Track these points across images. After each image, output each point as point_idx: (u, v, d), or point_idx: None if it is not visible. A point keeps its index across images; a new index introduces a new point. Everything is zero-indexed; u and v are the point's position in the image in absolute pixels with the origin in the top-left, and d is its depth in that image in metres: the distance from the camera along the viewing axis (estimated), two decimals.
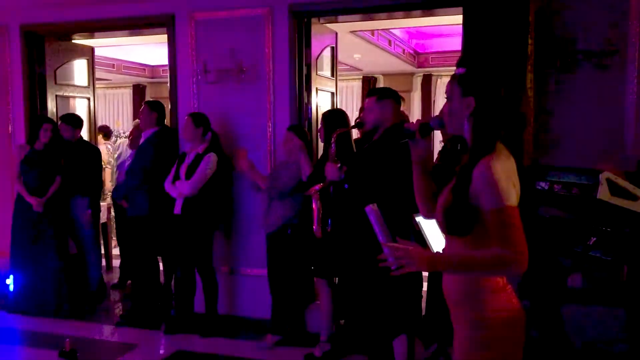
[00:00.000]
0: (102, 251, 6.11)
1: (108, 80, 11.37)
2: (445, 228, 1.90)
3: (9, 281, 5.23)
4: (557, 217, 2.68)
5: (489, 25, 3.89)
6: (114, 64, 10.12)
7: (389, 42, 7.82)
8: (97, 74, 10.43)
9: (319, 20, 4.95)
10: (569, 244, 2.64)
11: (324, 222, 3.68)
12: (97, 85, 11.64)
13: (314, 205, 3.68)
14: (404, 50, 8.60)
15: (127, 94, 12.31)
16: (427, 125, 2.05)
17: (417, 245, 1.81)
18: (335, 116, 4.07)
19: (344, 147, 3.65)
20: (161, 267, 5.17)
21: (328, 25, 5.17)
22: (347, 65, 9.13)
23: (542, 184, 2.70)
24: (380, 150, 3.28)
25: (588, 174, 2.76)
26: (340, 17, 5.01)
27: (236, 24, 4.71)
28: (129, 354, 4.31)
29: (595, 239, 2.71)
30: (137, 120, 6.56)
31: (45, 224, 5.09)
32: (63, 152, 5.19)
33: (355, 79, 10.81)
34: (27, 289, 5.10)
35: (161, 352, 4.38)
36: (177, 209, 4.53)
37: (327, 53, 5.15)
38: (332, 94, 5.28)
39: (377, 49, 7.56)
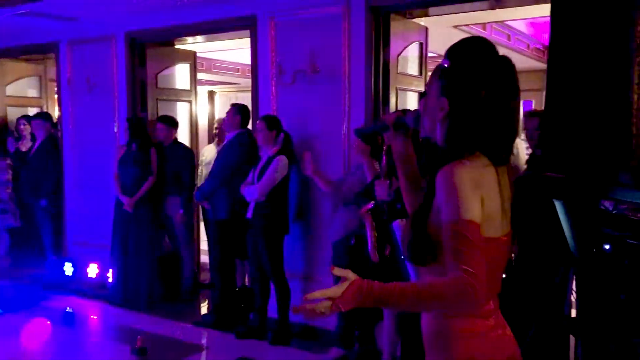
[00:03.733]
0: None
1: (237, 84, 11.80)
2: (408, 258, 1.57)
3: (109, 274, 5.56)
4: (623, 244, 2.12)
5: (583, 13, 3.31)
6: (238, 68, 10.46)
7: (508, 36, 7.14)
8: (224, 79, 11.03)
9: (405, 16, 4.62)
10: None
11: (380, 245, 3.35)
12: (226, 89, 12.30)
13: (367, 227, 3.36)
14: (528, 45, 7.82)
15: None
16: (401, 120, 1.74)
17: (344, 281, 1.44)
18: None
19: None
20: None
21: (417, 20, 4.81)
22: None
23: (607, 204, 2.16)
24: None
25: None
26: (432, 11, 4.63)
27: (313, 24, 4.55)
28: (196, 355, 4.34)
29: None
30: (220, 118, 6.64)
31: (138, 222, 5.34)
32: (157, 152, 5.41)
33: None
34: (123, 283, 5.38)
35: (227, 356, 4.34)
36: (249, 213, 4.48)
37: (414, 50, 4.77)
38: (420, 93, 4.88)
39: None
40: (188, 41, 5.98)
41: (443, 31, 5.71)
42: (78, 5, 5.20)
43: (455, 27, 6.03)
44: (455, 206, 1.42)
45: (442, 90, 1.54)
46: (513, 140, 1.56)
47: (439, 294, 1.38)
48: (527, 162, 3.78)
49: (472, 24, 6.22)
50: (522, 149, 4.16)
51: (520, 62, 8.47)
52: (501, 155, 1.54)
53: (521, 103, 1.70)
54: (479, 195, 1.44)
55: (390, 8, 4.34)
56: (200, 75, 10.06)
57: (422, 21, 5.08)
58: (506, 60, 1.55)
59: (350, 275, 1.43)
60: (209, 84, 11.75)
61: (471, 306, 1.39)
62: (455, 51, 1.57)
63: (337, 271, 1.46)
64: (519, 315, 3.67)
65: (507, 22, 6.79)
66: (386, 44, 4.39)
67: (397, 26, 4.46)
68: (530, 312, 3.21)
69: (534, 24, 7.75)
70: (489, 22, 6.54)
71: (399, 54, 4.55)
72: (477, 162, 1.48)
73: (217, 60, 9.54)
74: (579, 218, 2.31)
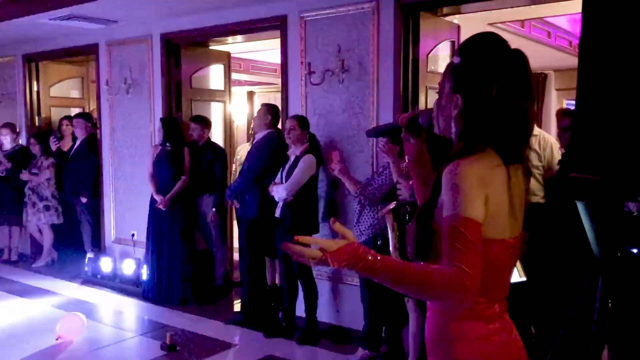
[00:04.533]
0: None
1: (275, 84, 11.87)
2: (411, 253, 1.54)
3: (143, 271, 5.68)
4: None
5: (616, 7, 3.18)
6: (275, 69, 10.53)
7: (548, 33, 6.93)
8: (263, 79, 11.11)
9: (436, 14, 4.55)
10: None
11: (401, 246, 3.31)
12: (265, 90, 12.38)
13: (388, 227, 3.32)
14: (570, 42, 7.57)
15: None
16: (415, 120, 1.71)
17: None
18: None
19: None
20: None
21: (449, 18, 4.72)
22: None
23: (631, 205, 2.06)
24: None
25: None
26: (464, 8, 4.55)
27: (342, 22, 4.53)
28: (224, 352, 4.37)
29: None
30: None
31: (171, 220, 5.44)
32: (190, 152, 5.49)
33: None
34: (156, 280, 5.49)
35: (255, 355, 4.37)
36: (278, 212, 4.50)
37: (445, 48, 4.70)
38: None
39: (531, 43, 6.74)
40: (228, 41, 6.04)
41: (477, 29, 5.55)
42: (116, 8, 5.33)
43: (491, 24, 5.89)
44: (456, 202, 1.39)
45: (455, 88, 1.52)
46: (526, 138, 1.51)
47: (428, 281, 1.34)
48: (560, 162, 3.67)
49: (508, 21, 6.07)
50: (555, 148, 4.04)
51: (562, 60, 8.25)
52: (513, 154, 1.49)
53: (534, 100, 1.64)
54: (483, 194, 1.40)
55: (420, 6, 4.28)
56: (239, 76, 10.19)
57: (456, 19, 5.00)
58: (519, 55, 1.51)
59: (350, 236, 1.41)
60: (247, 85, 11.86)
61: (457, 304, 1.36)
62: (466, 47, 1.55)
63: (338, 227, 1.42)
64: (546, 320, 3.57)
65: (546, 19, 6.60)
66: (416, 43, 4.33)
67: (427, 24, 4.40)
68: (558, 317, 3.11)
69: (576, 20, 7.52)
70: (527, 19, 6.37)
71: (429, 53, 4.49)
72: (486, 159, 1.44)
73: (255, 60, 9.62)
74: (602, 220, 2.22)
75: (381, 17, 4.33)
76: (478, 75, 1.48)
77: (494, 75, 1.47)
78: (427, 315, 1.61)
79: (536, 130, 4.23)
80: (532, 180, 3.85)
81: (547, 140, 4.11)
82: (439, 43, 4.59)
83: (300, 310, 4.63)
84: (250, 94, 12.73)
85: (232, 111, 6.57)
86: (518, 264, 1.68)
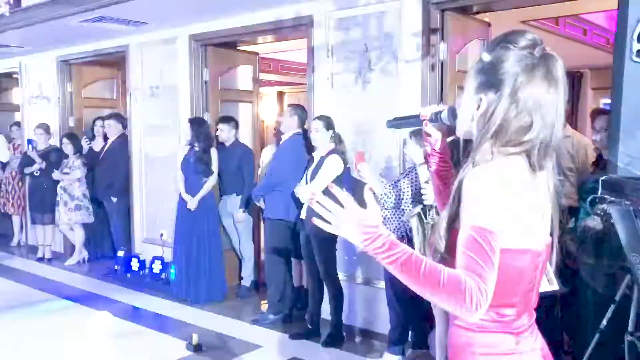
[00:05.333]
0: None
1: (305, 84, 11.83)
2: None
3: (171, 270, 5.72)
4: None
5: None
6: (305, 69, 10.49)
7: (584, 31, 6.74)
8: (293, 79, 11.09)
9: (465, 12, 4.45)
10: None
11: (425, 249, 3.24)
12: (295, 90, 12.37)
13: (414, 231, 3.25)
14: (607, 40, 7.33)
15: None
16: (437, 116, 1.65)
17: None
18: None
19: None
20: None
21: (480, 16, 4.62)
22: None
23: None
24: None
25: None
26: (494, 5, 4.44)
27: (368, 22, 4.47)
28: (249, 353, 4.36)
29: None
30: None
31: (199, 220, 5.46)
32: (218, 152, 5.51)
33: None
34: (184, 279, 5.51)
35: (280, 356, 4.35)
36: (303, 213, 4.46)
37: (475, 47, 4.58)
38: None
39: (566, 41, 6.56)
40: (258, 41, 6.03)
41: (510, 27, 5.45)
42: (146, 10, 5.37)
43: (524, 22, 5.75)
44: (475, 212, 1.32)
45: (478, 87, 1.44)
46: (556, 140, 1.43)
47: (438, 282, 1.27)
48: (594, 164, 3.54)
49: (542, 19, 5.91)
50: (590, 150, 3.90)
51: (598, 58, 8.00)
52: (542, 158, 1.40)
53: (566, 100, 1.55)
54: (506, 203, 1.32)
55: (448, 3, 4.19)
56: (269, 76, 10.21)
57: (487, 17, 4.88)
58: (550, 56, 1.41)
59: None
60: (277, 85, 11.87)
61: (463, 314, 1.29)
62: (493, 46, 1.46)
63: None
64: (579, 330, 3.45)
65: (582, 16, 6.41)
66: (444, 41, 4.24)
67: (455, 23, 4.30)
68: (592, 325, 3.00)
69: (613, 17, 7.29)
70: (561, 16, 6.20)
71: (458, 51, 4.39)
72: (511, 165, 1.37)
73: (284, 60, 9.62)
74: (635, 224, 2.12)
75: (408, 15, 4.26)
76: (503, 75, 1.39)
77: (521, 74, 1.38)
78: (452, 323, 1.54)
79: (570, 131, 4.10)
80: (566, 184, 3.73)
81: (580, 141, 3.97)
82: (469, 42, 4.49)
83: (326, 312, 4.60)
84: (280, 94, 12.74)
85: (261, 111, 6.54)
86: (550, 271, 1.60)
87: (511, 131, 1.39)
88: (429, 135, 1.73)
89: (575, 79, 9.30)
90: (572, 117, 8.60)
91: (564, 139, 3.31)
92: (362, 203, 1.39)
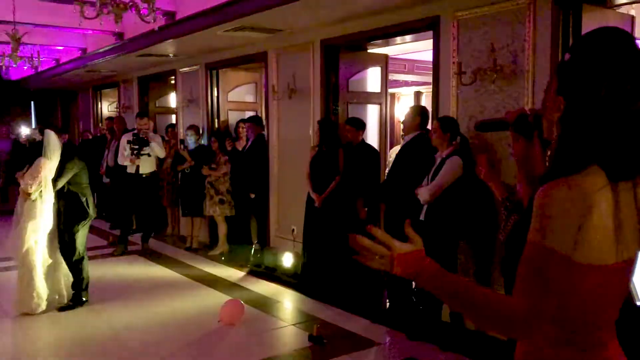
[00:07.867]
0: None
1: None
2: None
3: (300, 264, 6.01)
4: None
5: None
6: None
7: None
8: (429, 79, 10.98)
9: (604, 5, 4.16)
10: None
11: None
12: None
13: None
14: None
15: None
16: (524, 119, 1.61)
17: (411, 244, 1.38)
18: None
19: None
20: None
21: (622, 9, 4.29)
22: None
23: None
24: None
25: None
26: None
27: (495, 20, 4.35)
28: (367, 350, 4.46)
29: None
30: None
31: (326, 218, 5.67)
32: (345, 153, 5.68)
33: None
34: (311, 273, 5.76)
35: (396, 355, 4.40)
36: (422, 215, 4.47)
37: None
38: None
39: None
40: (389, 43, 6.11)
41: None
42: (282, 18, 5.69)
43: None
44: (541, 230, 1.27)
45: (559, 88, 1.37)
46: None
47: (489, 309, 1.27)
48: None
49: None
50: None
51: None
52: (623, 168, 1.31)
53: None
54: (576, 223, 1.26)
55: None
56: (405, 77, 10.20)
57: (633, 9, 4.53)
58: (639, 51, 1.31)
59: (419, 242, 1.38)
60: (414, 85, 11.82)
61: (513, 337, 1.27)
62: (579, 43, 1.38)
63: (410, 231, 1.39)
64: None
65: None
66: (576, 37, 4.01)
67: (591, 17, 4.02)
68: None
69: None
70: None
71: None
72: (586, 181, 1.28)
73: (419, 60, 9.56)
74: None
75: (538, 12, 4.08)
76: (584, 75, 1.31)
77: (603, 74, 1.29)
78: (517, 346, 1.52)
79: None
80: None
81: None
82: None
83: (446, 315, 4.56)
84: (417, 94, 12.65)
85: (391, 112, 6.62)
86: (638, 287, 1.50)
87: (590, 137, 1.32)
88: (517, 139, 1.71)
89: None
90: None
91: None
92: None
